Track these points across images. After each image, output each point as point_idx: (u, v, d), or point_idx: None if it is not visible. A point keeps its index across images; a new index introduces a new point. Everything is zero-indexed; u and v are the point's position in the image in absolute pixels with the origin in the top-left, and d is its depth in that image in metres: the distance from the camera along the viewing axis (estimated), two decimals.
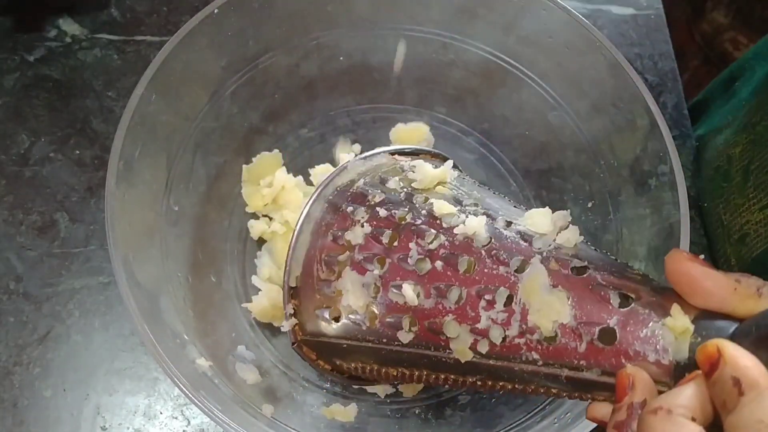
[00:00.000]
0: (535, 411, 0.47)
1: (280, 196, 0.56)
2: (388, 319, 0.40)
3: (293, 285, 0.45)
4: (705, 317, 0.31)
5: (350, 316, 0.41)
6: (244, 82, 0.54)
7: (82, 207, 0.61)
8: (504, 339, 0.36)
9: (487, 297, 0.37)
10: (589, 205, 0.54)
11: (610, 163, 0.51)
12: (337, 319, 0.42)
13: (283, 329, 0.45)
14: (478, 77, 0.57)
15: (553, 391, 0.36)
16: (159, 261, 0.48)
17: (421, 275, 0.39)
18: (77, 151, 0.63)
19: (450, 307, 0.38)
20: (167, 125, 0.50)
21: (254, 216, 0.57)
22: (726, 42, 1.12)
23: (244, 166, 0.57)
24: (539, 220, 0.39)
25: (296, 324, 0.44)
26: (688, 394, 0.28)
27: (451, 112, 0.60)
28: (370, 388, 0.52)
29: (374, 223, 0.42)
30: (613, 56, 0.49)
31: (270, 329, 0.54)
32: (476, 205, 0.42)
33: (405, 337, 0.39)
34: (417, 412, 0.53)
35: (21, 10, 0.67)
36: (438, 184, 0.45)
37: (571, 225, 0.38)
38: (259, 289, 0.54)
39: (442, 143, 0.60)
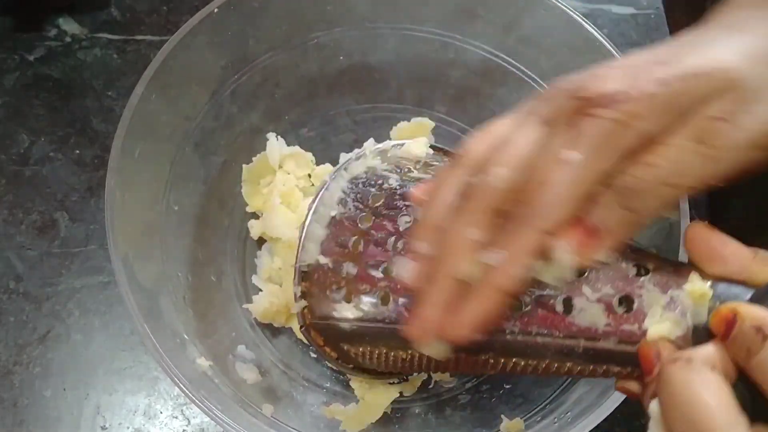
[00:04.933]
0: (535, 410, 0.47)
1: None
2: (402, 299, 0.39)
3: (307, 267, 0.44)
4: (722, 285, 0.31)
5: (363, 296, 0.41)
6: (244, 81, 0.54)
7: (82, 206, 0.61)
8: (520, 308, 0.36)
9: None
10: None
11: None
12: (349, 300, 0.41)
13: (292, 311, 0.44)
14: (478, 77, 0.57)
15: (567, 366, 0.36)
16: (159, 260, 0.48)
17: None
18: (77, 151, 0.63)
19: None
20: (167, 125, 0.50)
21: (254, 216, 0.57)
22: None
23: (244, 166, 0.57)
24: None
25: (306, 307, 0.44)
26: (708, 349, 0.28)
27: (451, 111, 0.60)
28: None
29: (391, 204, 0.42)
30: (614, 55, 0.49)
31: (270, 329, 0.55)
32: None
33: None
34: (417, 411, 0.53)
35: (21, 10, 0.67)
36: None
37: None
38: (260, 289, 0.54)
39: (442, 143, 0.60)
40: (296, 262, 0.44)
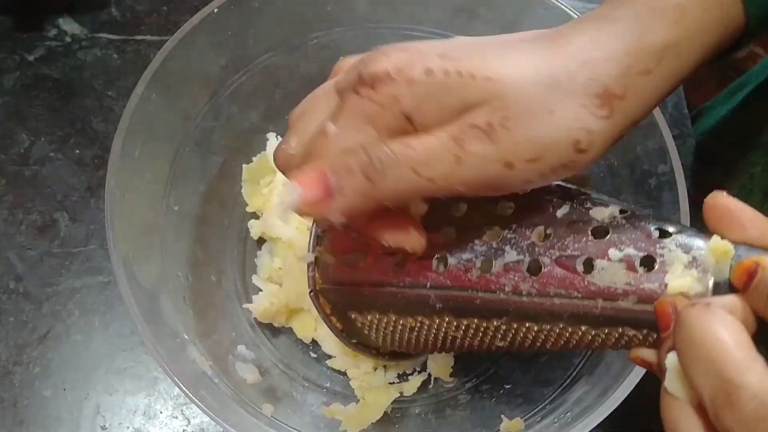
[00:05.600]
0: (535, 411, 0.47)
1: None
2: (419, 261, 0.39)
3: (322, 232, 0.44)
4: (743, 247, 0.31)
5: (378, 259, 0.40)
6: (244, 81, 0.54)
7: (82, 206, 0.61)
8: (539, 269, 0.36)
9: (525, 231, 0.37)
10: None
11: (610, 163, 0.51)
12: (365, 263, 0.41)
13: (306, 259, 0.44)
14: None
15: (581, 331, 0.35)
16: (159, 261, 0.48)
17: (458, 216, 0.39)
18: (77, 151, 0.63)
19: (484, 246, 0.37)
20: (167, 125, 0.50)
21: (254, 216, 0.57)
22: None
23: (244, 165, 0.57)
24: None
25: (317, 271, 0.43)
26: (728, 297, 0.29)
27: None
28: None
29: None
30: None
31: (270, 329, 0.55)
32: None
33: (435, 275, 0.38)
34: (417, 411, 0.53)
35: (21, 10, 0.67)
36: None
37: None
38: (260, 289, 0.54)
39: None
40: (312, 226, 0.44)
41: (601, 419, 0.40)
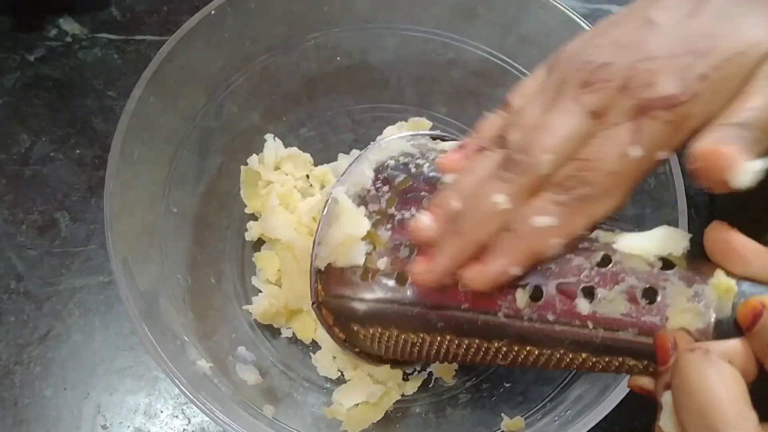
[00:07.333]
0: (535, 409, 0.47)
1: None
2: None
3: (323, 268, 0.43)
4: (746, 283, 0.31)
5: (380, 277, 0.40)
6: (243, 81, 0.54)
7: (82, 206, 0.61)
8: (541, 294, 0.35)
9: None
10: None
11: None
12: (366, 279, 0.40)
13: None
14: (477, 77, 0.57)
15: (581, 358, 0.35)
16: (158, 262, 0.49)
17: None
18: (78, 151, 0.63)
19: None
20: (166, 125, 0.50)
21: (253, 217, 0.57)
22: None
23: (242, 167, 0.57)
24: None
25: (320, 283, 0.43)
26: (729, 343, 0.29)
27: (451, 112, 0.60)
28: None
29: (417, 188, 0.41)
30: None
31: (270, 330, 0.55)
32: None
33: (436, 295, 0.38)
34: (417, 411, 0.53)
35: (21, 10, 0.67)
36: None
37: None
38: (259, 290, 0.54)
39: None
40: (316, 238, 0.43)
41: (601, 417, 0.40)
